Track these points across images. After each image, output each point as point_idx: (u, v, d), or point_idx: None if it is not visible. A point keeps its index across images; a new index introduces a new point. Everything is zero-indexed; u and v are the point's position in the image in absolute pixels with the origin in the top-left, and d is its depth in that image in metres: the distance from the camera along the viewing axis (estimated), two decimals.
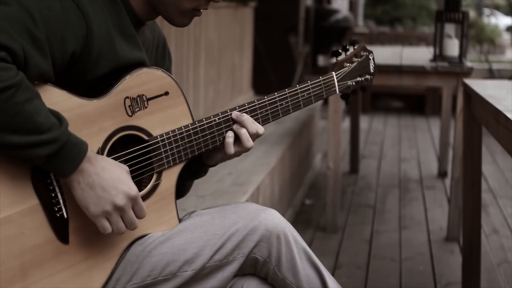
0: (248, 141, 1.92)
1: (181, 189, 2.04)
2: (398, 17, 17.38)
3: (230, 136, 1.92)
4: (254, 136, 1.94)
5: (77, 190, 1.64)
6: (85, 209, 1.65)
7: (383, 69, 4.39)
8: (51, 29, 1.60)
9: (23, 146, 1.53)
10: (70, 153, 1.60)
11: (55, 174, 1.63)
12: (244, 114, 1.94)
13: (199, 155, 1.94)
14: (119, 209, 1.67)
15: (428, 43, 9.34)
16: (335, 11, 9.85)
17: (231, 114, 1.92)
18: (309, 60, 8.90)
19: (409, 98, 10.09)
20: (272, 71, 7.47)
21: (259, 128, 1.95)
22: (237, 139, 1.93)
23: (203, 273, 1.81)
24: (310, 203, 5.21)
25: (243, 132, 1.92)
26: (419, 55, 5.34)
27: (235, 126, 1.93)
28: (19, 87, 1.51)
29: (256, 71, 7.06)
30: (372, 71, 2.22)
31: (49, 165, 1.60)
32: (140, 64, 1.81)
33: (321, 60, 9.26)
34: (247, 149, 1.94)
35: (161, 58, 2.05)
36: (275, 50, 7.61)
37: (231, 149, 1.92)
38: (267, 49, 7.48)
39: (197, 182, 2.11)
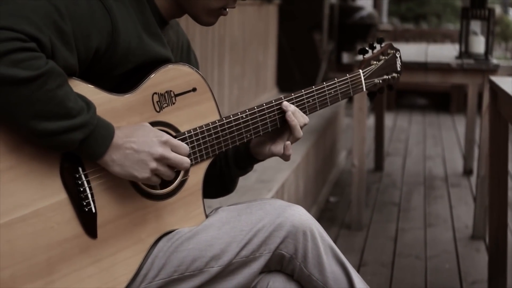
0: (299, 132, 1.95)
1: (230, 184, 2.07)
2: (423, 14, 17.29)
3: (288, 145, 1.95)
4: (302, 128, 1.97)
5: (115, 168, 1.67)
6: (132, 178, 1.69)
7: (408, 66, 4.37)
8: (76, 24, 1.62)
9: (58, 132, 1.55)
10: (101, 133, 1.63)
11: (87, 157, 1.65)
12: (291, 106, 1.95)
13: (245, 152, 1.98)
14: (161, 159, 1.70)
15: (453, 40, 9.29)
16: (359, 8, 9.81)
17: (258, 111, 1.92)
18: (333, 58, 8.87)
19: (434, 95, 10.04)
20: (296, 69, 7.46)
21: (305, 118, 1.97)
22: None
23: (230, 269, 1.81)
24: (334, 200, 5.20)
25: (296, 126, 1.94)
26: (445, 52, 5.31)
27: (289, 120, 1.94)
28: (50, 74, 1.53)
29: (280, 69, 7.05)
30: (399, 69, 2.22)
31: (82, 150, 1.62)
32: (167, 61, 1.82)
33: (346, 58, 9.23)
34: (298, 139, 1.97)
35: (186, 59, 2.05)
36: (299, 48, 7.59)
37: (289, 151, 1.96)
38: (291, 46, 7.47)
39: None
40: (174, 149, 1.73)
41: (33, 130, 1.54)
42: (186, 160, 1.75)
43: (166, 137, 1.72)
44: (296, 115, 1.94)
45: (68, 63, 1.62)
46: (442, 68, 4.47)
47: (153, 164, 1.69)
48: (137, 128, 1.70)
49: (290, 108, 1.94)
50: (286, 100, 1.96)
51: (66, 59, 1.61)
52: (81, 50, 1.64)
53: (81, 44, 1.64)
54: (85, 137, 1.60)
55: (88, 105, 1.62)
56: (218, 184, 2.07)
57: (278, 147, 1.97)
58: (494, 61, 4.48)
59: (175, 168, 1.75)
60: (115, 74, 1.74)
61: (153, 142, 1.69)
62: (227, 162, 2.03)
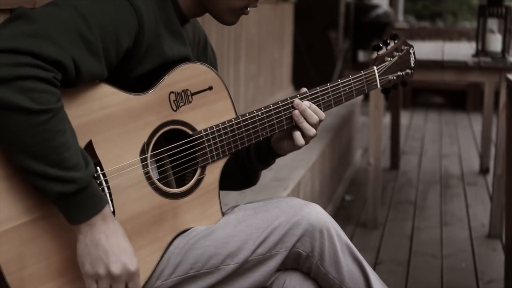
0: (309, 130, 1.94)
1: (253, 177, 2.08)
2: (439, 12, 17.23)
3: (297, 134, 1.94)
4: (316, 125, 1.96)
5: (81, 243, 1.60)
6: (80, 263, 1.61)
7: (425, 65, 4.36)
8: (106, 31, 1.61)
9: (40, 176, 1.51)
10: (85, 201, 1.56)
11: (64, 217, 1.58)
12: (303, 104, 1.95)
13: (266, 146, 1.99)
14: (111, 278, 1.61)
15: (469, 38, 9.24)
16: (375, 6, 9.79)
17: (273, 109, 1.92)
18: (349, 56, 8.86)
19: (450, 93, 10.00)
20: (312, 67, 7.46)
21: (320, 114, 1.96)
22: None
23: (246, 267, 1.81)
24: (350, 199, 5.19)
25: (304, 125, 1.94)
26: (461, 50, 5.29)
27: (295, 120, 1.94)
28: (55, 115, 1.51)
29: (296, 67, 7.05)
30: (413, 65, 2.21)
31: (60, 205, 1.57)
32: (185, 60, 1.83)
33: (361, 56, 9.21)
34: (311, 137, 1.96)
35: (202, 55, 2.05)
36: (315, 46, 7.60)
37: (301, 141, 1.94)
38: (307, 44, 7.47)
39: None
40: (129, 286, 1.63)
41: (17, 162, 1.51)
42: None
43: (135, 271, 1.63)
44: (305, 113, 1.94)
45: (95, 73, 1.61)
46: (458, 66, 4.45)
47: (102, 273, 1.60)
48: (125, 241, 1.63)
49: (300, 107, 1.94)
50: (300, 98, 1.96)
51: (93, 70, 1.60)
52: (111, 55, 1.64)
53: (112, 49, 1.63)
54: (67, 194, 1.53)
55: (87, 164, 1.57)
56: (241, 177, 2.08)
57: (296, 142, 1.96)
58: (511, 59, 4.46)
59: None
60: (134, 74, 1.74)
61: (122, 262, 1.60)
62: (249, 156, 2.04)
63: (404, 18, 14.63)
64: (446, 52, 5.04)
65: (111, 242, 1.60)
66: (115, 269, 1.60)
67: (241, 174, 2.07)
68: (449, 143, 7.40)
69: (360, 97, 6.38)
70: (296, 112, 1.94)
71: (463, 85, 9.37)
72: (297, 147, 1.97)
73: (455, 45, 6.15)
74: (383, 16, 9.62)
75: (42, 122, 1.49)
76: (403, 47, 2.19)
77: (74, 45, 1.55)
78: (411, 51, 2.21)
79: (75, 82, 1.57)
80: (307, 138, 1.96)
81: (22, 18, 1.51)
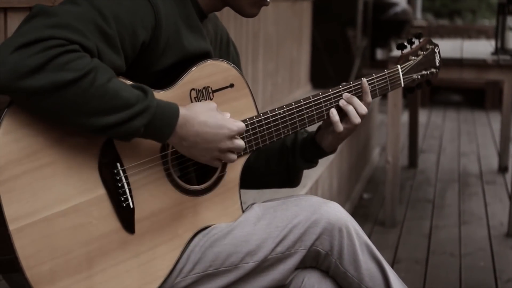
0: (355, 117, 1.94)
1: (294, 177, 2.08)
2: (457, 9, 17.14)
3: (334, 115, 1.95)
4: (363, 116, 1.97)
5: (183, 149, 1.71)
6: (196, 159, 1.74)
7: (443, 62, 4.33)
8: (121, 24, 1.63)
9: (119, 124, 1.56)
10: (164, 117, 1.63)
11: (156, 140, 1.67)
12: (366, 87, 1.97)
13: (311, 140, 2.00)
14: (227, 150, 1.75)
15: (488, 36, 9.20)
16: (393, 4, 9.75)
17: (289, 107, 1.92)
18: (367, 54, 8.83)
19: (469, 92, 9.95)
20: (330, 65, 7.43)
21: (364, 108, 1.97)
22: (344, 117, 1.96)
23: (265, 265, 1.82)
24: (368, 197, 5.18)
25: (350, 108, 1.94)
26: (480, 48, 5.27)
27: (341, 103, 1.95)
28: (97, 70, 1.54)
29: (314, 65, 7.03)
30: (438, 64, 2.20)
31: (148, 134, 1.64)
32: (206, 55, 1.83)
33: (379, 54, 9.19)
34: (355, 126, 1.96)
35: (225, 53, 2.06)
36: (333, 44, 7.57)
37: (339, 127, 1.94)
38: (325, 42, 7.44)
39: None
40: (238, 137, 1.77)
41: (95, 127, 1.56)
42: (243, 144, 1.78)
43: (237, 130, 1.75)
44: (353, 100, 1.96)
45: (116, 65, 1.63)
46: (477, 64, 4.43)
47: (218, 154, 1.74)
48: (211, 117, 1.72)
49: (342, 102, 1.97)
50: (323, 97, 1.96)
51: (114, 62, 1.62)
52: (128, 49, 1.66)
53: (128, 43, 1.65)
54: (148, 122, 1.61)
55: (144, 90, 1.63)
56: (283, 176, 2.08)
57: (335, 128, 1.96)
58: None
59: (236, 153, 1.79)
60: (154, 70, 1.75)
61: (223, 136, 1.73)
62: (294, 154, 2.03)
63: (423, 16, 14.57)
64: (465, 50, 5.02)
65: (204, 132, 1.71)
66: (224, 145, 1.74)
67: (283, 173, 2.07)
68: (467, 141, 7.37)
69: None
70: (347, 95, 1.96)
71: (482, 83, 9.33)
72: (338, 134, 1.96)
73: (474, 43, 6.13)
74: (401, 14, 9.58)
75: (91, 82, 1.53)
76: (428, 46, 2.18)
77: (94, 35, 1.57)
78: (436, 50, 2.20)
79: None
80: (351, 125, 1.95)
81: (40, 14, 1.54)
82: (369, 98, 1.98)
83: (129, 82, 1.67)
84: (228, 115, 1.77)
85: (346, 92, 1.97)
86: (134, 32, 1.66)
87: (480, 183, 5.65)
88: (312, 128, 2.02)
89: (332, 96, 1.96)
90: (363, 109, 1.96)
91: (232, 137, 1.74)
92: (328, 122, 1.97)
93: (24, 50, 1.48)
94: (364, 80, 1.98)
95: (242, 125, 1.77)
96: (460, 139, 7.49)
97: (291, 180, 2.08)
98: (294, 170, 2.06)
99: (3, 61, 1.47)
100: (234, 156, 1.77)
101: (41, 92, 1.49)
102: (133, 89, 1.61)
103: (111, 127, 1.57)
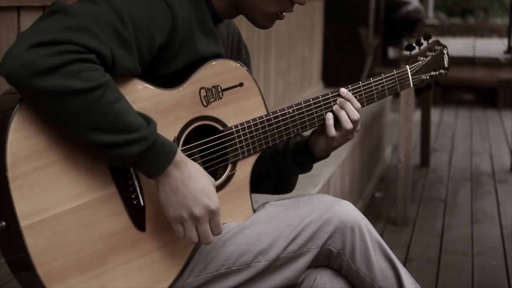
0: (347, 123, 1.92)
1: (287, 183, 2.06)
2: (470, 8, 17.09)
3: (329, 118, 1.93)
4: (355, 121, 1.94)
5: (161, 192, 1.65)
6: (164, 210, 1.67)
7: (456, 61, 4.33)
8: (139, 27, 1.62)
9: (114, 145, 1.55)
10: (159, 153, 1.60)
11: (144, 173, 1.64)
12: (347, 94, 1.95)
13: (304, 144, 1.98)
14: (195, 219, 1.66)
15: (501, 34, 9.17)
16: (405, 3, 9.74)
17: (305, 106, 1.92)
18: (379, 52, 8.82)
19: (481, 90, 9.92)
20: (342, 64, 7.43)
21: (356, 114, 1.95)
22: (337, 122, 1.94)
23: (277, 264, 1.81)
24: (380, 196, 5.18)
25: (342, 114, 1.93)
26: (492, 46, 5.25)
27: (335, 108, 1.94)
28: (107, 86, 1.54)
29: (326, 64, 7.03)
30: (446, 65, 2.21)
31: (138, 165, 1.61)
32: (217, 57, 1.83)
33: (392, 52, 9.17)
34: (347, 131, 1.93)
35: (236, 54, 2.05)
36: (345, 42, 7.56)
37: (332, 131, 1.92)
38: (337, 41, 7.44)
39: None
40: (211, 223, 1.69)
41: (90, 142, 1.55)
42: (210, 240, 1.70)
43: (216, 209, 1.67)
44: (346, 105, 1.94)
45: (129, 69, 1.63)
46: (490, 62, 4.42)
47: (185, 216, 1.65)
48: (202, 180, 1.67)
49: (346, 95, 1.95)
50: (332, 96, 1.95)
51: (127, 65, 1.61)
52: (145, 52, 1.65)
53: (145, 46, 1.65)
54: (142, 152, 1.58)
55: (149, 121, 1.61)
56: (275, 180, 2.06)
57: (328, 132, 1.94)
58: None
59: (199, 236, 1.69)
60: (166, 71, 1.74)
61: (203, 203, 1.65)
62: (285, 157, 2.02)
63: (435, 15, 14.53)
64: (477, 49, 5.01)
65: (188, 186, 1.64)
66: (197, 211, 1.65)
67: (275, 177, 2.06)
68: (480, 140, 7.35)
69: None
70: (340, 100, 1.94)
71: (494, 82, 9.30)
72: (331, 140, 1.95)
73: (486, 42, 6.11)
74: (414, 13, 9.57)
75: (98, 97, 1.52)
76: (436, 47, 2.18)
77: (111, 39, 1.57)
78: (445, 52, 2.21)
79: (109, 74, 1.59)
80: (342, 131, 1.94)
81: (60, 12, 1.54)
82: (356, 104, 1.96)
83: (129, 82, 1.67)
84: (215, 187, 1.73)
85: (354, 92, 1.97)
86: (151, 35, 1.65)
87: (493, 182, 5.63)
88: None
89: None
90: (355, 114, 1.95)
91: (209, 212, 1.66)
92: (323, 126, 1.96)
93: (41, 49, 1.48)
94: (343, 89, 1.96)
95: (217, 207, 1.68)
96: (472, 138, 7.47)
97: (282, 185, 2.07)
98: (286, 175, 2.04)
99: (19, 55, 1.47)
100: (195, 237, 1.67)
101: (47, 93, 1.49)
102: (137, 116, 1.59)
103: (105, 146, 1.55)
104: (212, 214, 1.68)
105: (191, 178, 1.65)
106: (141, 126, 1.57)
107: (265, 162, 2.02)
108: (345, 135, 1.95)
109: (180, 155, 1.64)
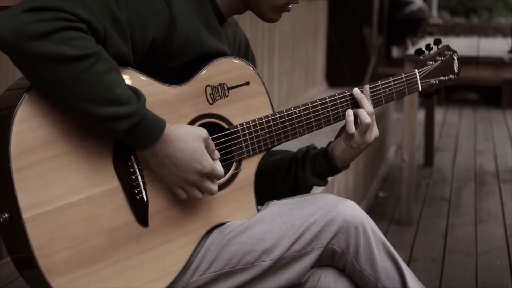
0: (366, 118, 1.93)
1: (302, 192, 2.03)
2: (474, 7, 17.09)
3: (349, 115, 1.94)
4: (371, 114, 1.95)
5: (152, 164, 1.67)
6: (162, 178, 1.70)
7: (460, 61, 4.33)
8: (133, 14, 1.62)
9: (103, 118, 1.54)
10: (146, 128, 1.60)
11: (132, 147, 1.65)
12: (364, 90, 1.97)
13: (323, 153, 1.99)
14: (192, 183, 1.70)
15: (505, 34, 9.16)
16: (409, 2, 9.73)
17: (311, 107, 1.92)
18: (383, 52, 8.82)
19: (485, 90, 9.91)
20: (346, 63, 7.43)
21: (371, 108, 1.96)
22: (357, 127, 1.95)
23: (281, 263, 1.81)
24: (384, 195, 5.17)
25: (360, 110, 1.94)
26: (497, 46, 5.25)
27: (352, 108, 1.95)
28: (98, 56, 1.53)
29: (330, 63, 7.03)
30: (456, 71, 2.20)
31: (126, 139, 1.61)
32: (223, 55, 1.83)
33: (395, 52, 9.16)
34: (366, 126, 1.93)
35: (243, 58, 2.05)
36: (348, 42, 7.57)
37: (352, 127, 1.93)
38: (341, 41, 7.44)
39: None
40: (210, 178, 1.73)
41: (81, 111, 1.54)
42: (215, 190, 1.74)
43: (209, 171, 1.70)
44: (364, 102, 1.95)
45: (121, 51, 1.62)
46: (494, 62, 4.41)
47: (182, 183, 1.70)
48: (190, 145, 1.68)
49: (365, 91, 1.97)
50: (339, 98, 1.95)
51: (119, 46, 1.61)
52: (137, 40, 1.65)
53: (137, 34, 1.65)
54: (131, 127, 1.58)
55: (138, 95, 1.61)
56: (289, 191, 2.03)
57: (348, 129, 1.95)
58: None
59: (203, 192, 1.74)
60: (170, 66, 1.75)
61: (194, 169, 1.68)
62: (304, 165, 2.01)
63: (438, 14, 14.53)
64: (481, 48, 5.00)
65: (178, 158, 1.66)
66: (190, 177, 1.69)
67: (289, 187, 2.04)
68: (484, 140, 7.34)
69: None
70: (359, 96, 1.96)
71: (498, 81, 9.29)
72: (350, 138, 1.95)
73: (490, 41, 6.10)
74: (417, 12, 9.56)
75: (89, 66, 1.51)
76: (446, 52, 2.18)
77: (104, 17, 1.56)
78: (455, 57, 2.20)
79: None
80: (362, 127, 1.94)
81: None
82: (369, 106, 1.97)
83: (135, 78, 1.67)
84: (217, 155, 1.74)
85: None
86: (145, 25, 1.65)
87: (497, 181, 5.62)
88: (325, 133, 2.01)
89: (348, 98, 1.97)
90: (370, 108, 1.95)
91: (203, 175, 1.70)
92: (342, 129, 1.97)
93: (33, 14, 1.47)
94: (356, 89, 1.98)
95: (220, 170, 1.72)
96: (476, 137, 7.46)
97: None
98: (302, 185, 2.03)
99: (11, 19, 1.47)
100: (199, 194, 1.73)
101: (38, 59, 1.48)
102: (127, 89, 1.58)
103: (92, 118, 1.54)
104: (208, 175, 1.70)
105: (177, 148, 1.66)
106: (129, 100, 1.57)
107: (282, 170, 2.02)
108: (363, 132, 1.94)
109: (168, 128, 1.64)
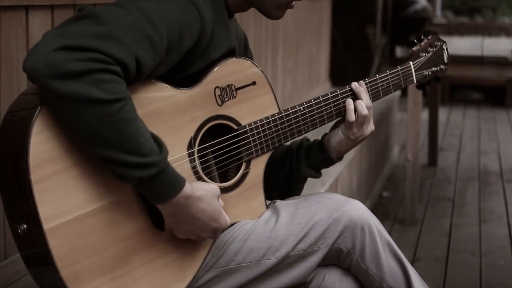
0: (363, 109, 1.95)
1: (295, 188, 2.05)
2: (477, 7, 17.08)
3: (350, 103, 1.96)
4: (369, 107, 1.97)
5: (166, 218, 1.67)
6: (173, 229, 1.70)
7: (464, 60, 4.34)
8: (170, 31, 1.61)
9: (120, 164, 1.53)
10: (166, 183, 1.59)
11: (147, 197, 1.63)
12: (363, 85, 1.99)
13: (318, 144, 2.00)
14: (204, 238, 1.73)
15: (509, 34, 9.16)
16: (413, 2, 9.73)
17: (315, 104, 1.93)
18: (387, 51, 8.81)
19: (489, 89, 9.90)
20: (349, 63, 7.43)
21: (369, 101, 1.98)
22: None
23: (287, 262, 1.82)
24: (388, 195, 5.18)
25: (358, 102, 1.96)
26: (501, 46, 5.26)
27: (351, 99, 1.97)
28: (127, 102, 1.52)
29: (334, 63, 7.03)
30: (446, 61, 2.24)
31: (141, 188, 1.60)
32: (231, 52, 1.84)
33: (399, 51, 9.16)
34: (364, 118, 1.95)
35: (243, 55, 2.06)
36: (352, 41, 7.56)
37: (352, 116, 1.95)
38: (345, 40, 7.44)
39: None
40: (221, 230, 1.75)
41: (95, 153, 1.53)
42: (219, 236, 1.77)
43: (224, 226, 1.72)
44: (363, 95, 1.97)
45: (154, 74, 1.63)
46: (498, 62, 4.43)
47: (194, 238, 1.72)
48: (208, 208, 1.68)
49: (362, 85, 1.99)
50: (341, 93, 1.97)
51: (153, 71, 1.61)
52: (173, 54, 1.65)
53: (175, 50, 1.64)
54: (148, 178, 1.56)
55: (161, 147, 1.59)
56: (285, 182, 2.05)
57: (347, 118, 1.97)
58: None
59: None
60: (191, 72, 1.75)
61: (211, 228, 1.70)
62: (298, 156, 2.02)
63: (442, 14, 14.52)
64: (485, 48, 5.01)
65: (197, 218, 1.67)
66: (206, 235, 1.71)
67: (284, 178, 2.05)
68: (487, 139, 7.34)
69: (398, 93, 6.34)
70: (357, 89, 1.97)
71: (502, 81, 9.28)
72: (349, 128, 1.96)
73: (494, 41, 6.11)
74: (421, 12, 9.56)
75: (116, 111, 1.50)
76: (436, 43, 2.22)
77: (140, 46, 1.55)
78: (444, 47, 2.25)
79: (132, 82, 1.58)
80: (359, 118, 1.95)
81: (90, 17, 1.52)
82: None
83: (145, 82, 1.66)
84: (221, 203, 1.74)
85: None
86: (182, 38, 1.64)
87: (501, 181, 5.62)
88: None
89: (349, 93, 1.99)
90: (369, 101, 1.98)
91: (213, 231, 1.72)
92: (339, 120, 1.99)
93: (67, 53, 1.46)
94: (355, 83, 2.00)
95: (229, 222, 1.74)
96: (480, 137, 7.46)
97: (291, 188, 2.06)
98: (296, 176, 2.03)
99: (45, 55, 1.45)
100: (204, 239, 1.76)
101: (65, 97, 1.47)
102: (151, 140, 1.57)
103: (109, 162, 1.53)
104: (222, 229, 1.73)
105: (200, 210, 1.66)
106: (151, 151, 1.56)
107: (276, 162, 2.03)
108: (361, 124, 1.95)
109: (189, 189, 1.64)
